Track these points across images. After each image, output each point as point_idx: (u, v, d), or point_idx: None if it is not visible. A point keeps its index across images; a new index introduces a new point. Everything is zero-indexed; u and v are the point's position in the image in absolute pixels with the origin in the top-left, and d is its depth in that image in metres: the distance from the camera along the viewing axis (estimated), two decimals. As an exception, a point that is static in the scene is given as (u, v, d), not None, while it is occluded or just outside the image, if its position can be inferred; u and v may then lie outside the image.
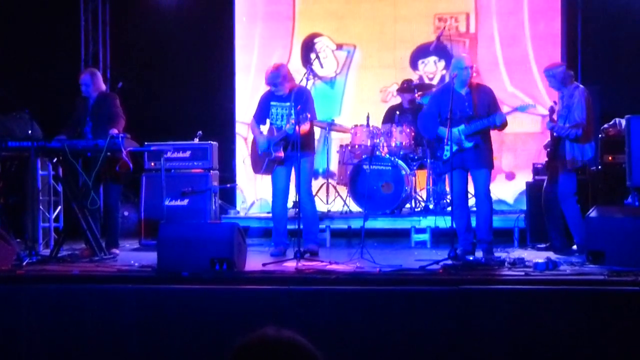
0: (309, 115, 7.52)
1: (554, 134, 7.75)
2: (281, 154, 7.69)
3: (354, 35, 11.16)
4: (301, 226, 7.43)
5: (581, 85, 7.75)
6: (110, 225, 8.24)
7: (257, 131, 8.01)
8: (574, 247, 7.72)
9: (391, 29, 11.04)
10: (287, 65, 8.61)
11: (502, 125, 7.36)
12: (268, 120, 7.92)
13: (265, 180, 8.72)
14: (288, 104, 7.72)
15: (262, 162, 7.89)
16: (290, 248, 7.62)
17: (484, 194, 7.43)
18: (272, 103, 7.88)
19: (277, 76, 7.77)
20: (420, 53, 10.79)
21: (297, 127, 7.40)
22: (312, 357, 2.00)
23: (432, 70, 10.86)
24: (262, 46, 11.15)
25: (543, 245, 8.03)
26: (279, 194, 7.94)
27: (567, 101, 7.60)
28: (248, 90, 11.01)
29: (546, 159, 8.19)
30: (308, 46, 11.20)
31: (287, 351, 1.99)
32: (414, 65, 10.95)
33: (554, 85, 7.76)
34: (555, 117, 7.77)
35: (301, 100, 7.65)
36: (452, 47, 10.44)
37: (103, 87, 8.45)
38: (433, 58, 10.84)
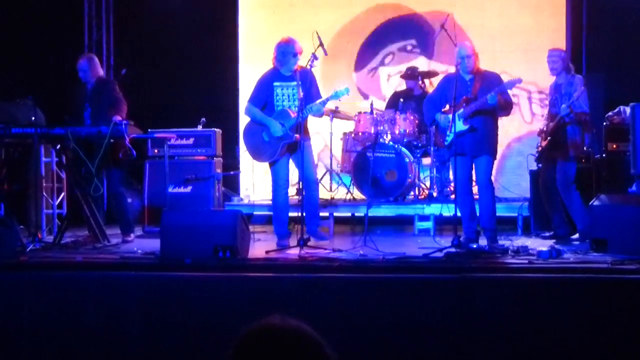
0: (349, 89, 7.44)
1: (561, 121, 7.67)
2: (298, 136, 7.31)
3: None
4: (304, 213, 7.36)
5: (577, 74, 7.76)
6: (120, 212, 8.17)
7: (261, 114, 7.57)
8: (577, 234, 7.72)
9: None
10: None
11: (502, 107, 7.25)
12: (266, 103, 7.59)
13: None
14: (294, 83, 7.42)
15: (272, 147, 7.48)
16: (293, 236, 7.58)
17: (485, 181, 7.38)
18: (275, 84, 7.52)
19: (292, 51, 7.43)
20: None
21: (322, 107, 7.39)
22: (318, 346, 1.99)
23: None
24: (266, 34, 11.12)
25: (547, 234, 8.01)
26: (283, 183, 7.63)
27: (566, 89, 7.61)
28: (252, 78, 11.00)
29: (540, 147, 8.06)
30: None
31: (292, 340, 1.98)
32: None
33: (557, 67, 7.73)
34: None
35: (308, 79, 7.41)
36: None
37: (101, 72, 8.42)
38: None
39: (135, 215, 9.69)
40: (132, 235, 8.09)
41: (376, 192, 8.91)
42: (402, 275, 6.01)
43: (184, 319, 5.91)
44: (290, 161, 7.67)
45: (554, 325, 5.57)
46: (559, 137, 7.70)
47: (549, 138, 7.81)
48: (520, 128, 10.58)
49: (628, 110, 8.12)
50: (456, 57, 7.37)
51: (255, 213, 9.61)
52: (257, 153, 7.72)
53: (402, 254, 6.68)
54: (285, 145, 7.46)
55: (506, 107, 7.30)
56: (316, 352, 1.98)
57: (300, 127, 7.24)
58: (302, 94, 7.32)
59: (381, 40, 10.98)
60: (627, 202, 7.13)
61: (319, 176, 8.73)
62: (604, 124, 8.54)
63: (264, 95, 7.60)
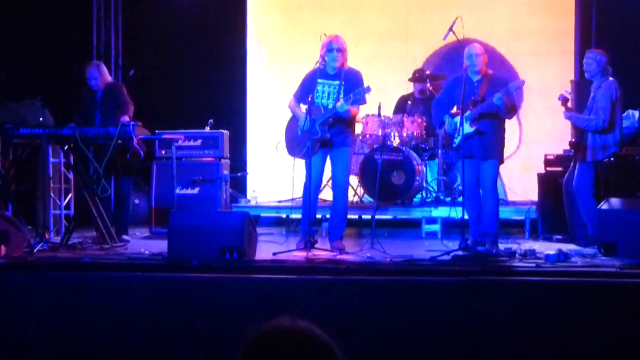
0: (370, 88, 7.15)
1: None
2: (328, 134, 7.25)
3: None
4: (318, 215, 7.31)
5: (610, 78, 7.58)
6: (122, 214, 8.28)
7: (298, 110, 7.50)
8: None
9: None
10: None
11: (507, 109, 7.22)
12: (309, 99, 7.44)
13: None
14: (337, 82, 7.34)
15: (302, 143, 7.36)
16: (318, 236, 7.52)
17: (491, 186, 7.34)
18: (318, 80, 7.41)
19: (328, 46, 7.32)
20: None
21: (350, 106, 7.18)
22: (328, 348, 1.98)
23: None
24: (274, 36, 11.15)
25: (560, 237, 7.94)
26: (313, 181, 7.47)
27: (595, 92, 7.51)
28: (260, 79, 11.03)
29: (570, 148, 8.00)
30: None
31: (303, 341, 1.97)
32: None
33: (591, 70, 7.58)
34: (570, 105, 7.70)
35: (353, 80, 7.32)
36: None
37: (109, 78, 8.46)
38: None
39: (143, 216, 9.74)
40: (127, 235, 8.21)
41: (383, 194, 8.89)
42: (409, 277, 6.00)
43: (191, 321, 5.90)
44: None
45: (560, 329, 5.55)
46: (581, 140, 7.65)
47: (572, 140, 7.77)
48: (527, 130, 10.55)
49: (637, 114, 8.10)
50: (465, 58, 7.35)
51: (262, 215, 9.61)
52: (290, 147, 7.66)
53: (409, 257, 6.69)
54: (314, 143, 7.26)
55: (511, 109, 7.28)
56: (327, 355, 1.97)
57: (314, 126, 7.17)
58: (310, 96, 7.29)
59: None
60: (636, 206, 7.11)
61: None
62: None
63: (306, 91, 7.49)
